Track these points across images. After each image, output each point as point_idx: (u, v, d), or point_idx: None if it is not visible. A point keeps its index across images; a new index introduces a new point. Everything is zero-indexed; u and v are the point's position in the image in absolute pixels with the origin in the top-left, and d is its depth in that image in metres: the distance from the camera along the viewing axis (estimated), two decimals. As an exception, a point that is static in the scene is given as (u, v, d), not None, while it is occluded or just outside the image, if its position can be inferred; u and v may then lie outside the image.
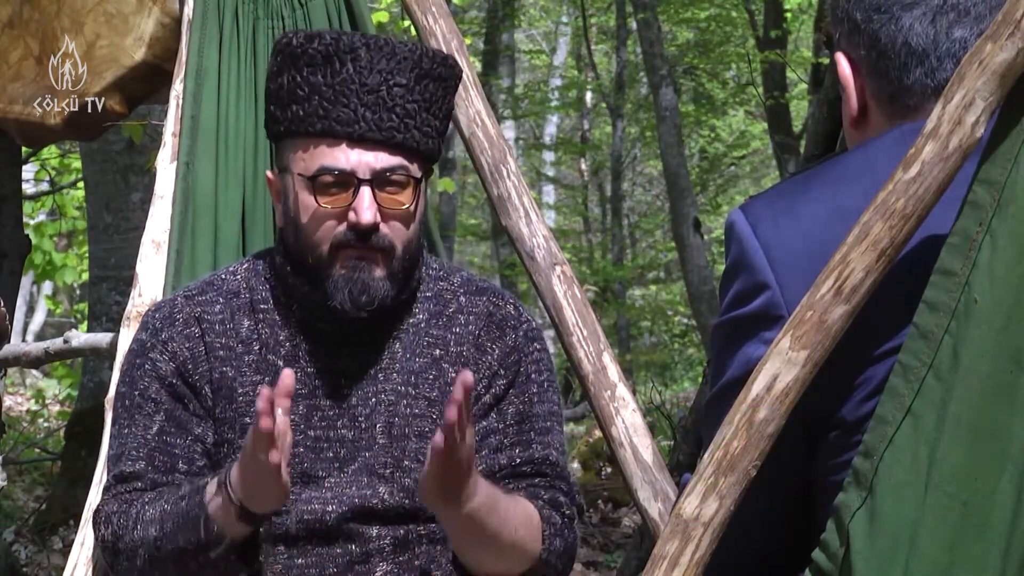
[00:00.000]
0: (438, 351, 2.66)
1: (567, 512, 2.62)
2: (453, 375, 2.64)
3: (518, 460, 2.64)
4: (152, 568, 2.52)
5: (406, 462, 2.60)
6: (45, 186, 10.33)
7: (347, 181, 2.54)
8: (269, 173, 2.69)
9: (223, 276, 2.70)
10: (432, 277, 2.70)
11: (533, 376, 2.68)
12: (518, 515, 2.51)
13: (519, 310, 2.72)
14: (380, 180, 2.55)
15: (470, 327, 2.67)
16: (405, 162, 2.56)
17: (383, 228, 2.55)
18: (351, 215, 2.54)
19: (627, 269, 17.82)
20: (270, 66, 2.63)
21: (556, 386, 2.74)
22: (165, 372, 2.61)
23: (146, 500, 2.55)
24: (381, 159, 2.55)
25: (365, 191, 2.53)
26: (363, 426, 2.60)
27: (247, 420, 2.59)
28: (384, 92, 2.55)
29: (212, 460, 2.60)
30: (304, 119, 2.55)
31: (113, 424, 2.68)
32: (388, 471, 2.59)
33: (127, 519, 2.55)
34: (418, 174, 2.58)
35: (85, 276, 9.70)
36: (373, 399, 2.61)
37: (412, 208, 2.57)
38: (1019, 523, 1.80)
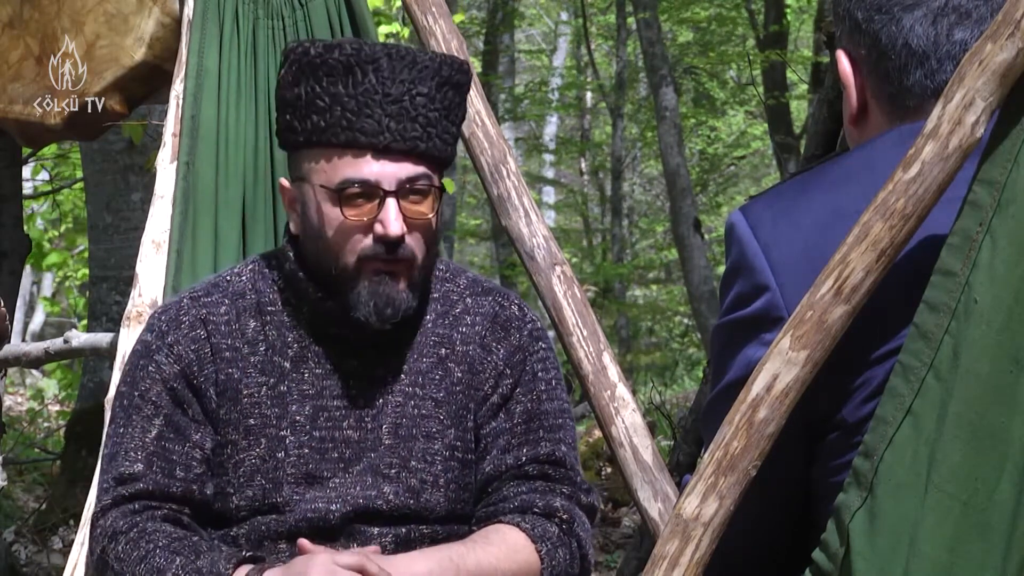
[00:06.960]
0: (443, 350, 2.66)
1: (564, 517, 2.62)
2: (459, 375, 2.65)
3: (523, 459, 2.65)
4: None
5: (413, 462, 2.61)
6: (41, 181, 10.32)
7: (372, 192, 2.53)
8: (283, 181, 2.66)
9: (228, 277, 2.70)
10: (439, 278, 2.71)
11: (540, 374, 2.69)
12: (494, 557, 2.53)
13: (524, 310, 2.73)
14: (405, 191, 2.54)
15: (476, 327, 2.68)
16: (428, 171, 2.56)
17: (407, 239, 2.54)
18: (378, 227, 2.52)
19: (627, 267, 17.81)
20: (284, 75, 2.58)
21: (563, 383, 2.74)
22: (169, 375, 2.61)
23: (160, 542, 2.51)
24: (405, 169, 2.53)
25: (391, 203, 2.52)
26: (369, 427, 2.61)
27: (251, 422, 2.59)
28: (407, 102, 2.52)
29: (210, 465, 2.60)
30: (326, 130, 2.52)
31: (110, 424, 2.68)
32: (394, 471, 2.60)
33: (134, 549, 2.52)
34: (439, 183, 2.58)
35: (84, 273, 9.69)
36: (380, 400, 2.62)
37: (434, 217, 2.57)
38: (1019, 523, 1.79)
